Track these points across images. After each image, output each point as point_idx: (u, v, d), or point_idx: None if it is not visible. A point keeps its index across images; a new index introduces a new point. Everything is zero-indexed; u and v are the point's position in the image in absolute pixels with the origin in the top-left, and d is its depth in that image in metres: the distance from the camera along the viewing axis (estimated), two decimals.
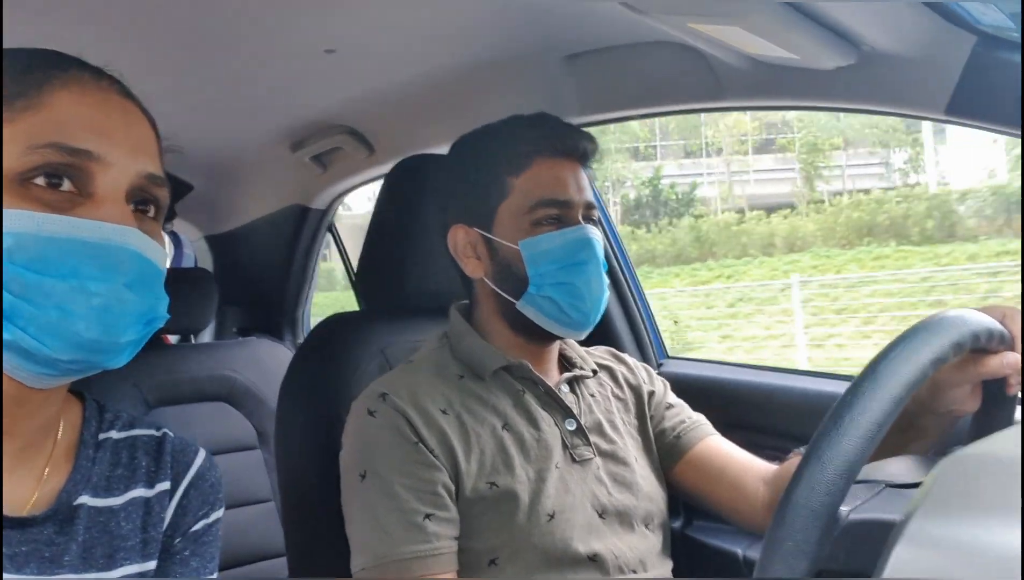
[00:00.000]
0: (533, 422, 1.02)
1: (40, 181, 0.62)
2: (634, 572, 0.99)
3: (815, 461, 0.55)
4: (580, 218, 1.04)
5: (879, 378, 0.59)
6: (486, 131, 1.09)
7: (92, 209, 0.63)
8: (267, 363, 2.07)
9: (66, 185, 0.63)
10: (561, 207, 1.02)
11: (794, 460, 1.01)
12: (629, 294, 1.68)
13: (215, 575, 0.79)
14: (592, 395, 1.11)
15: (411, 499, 0.92)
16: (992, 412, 0.79)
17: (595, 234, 1.04)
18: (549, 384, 1.06)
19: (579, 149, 1.05)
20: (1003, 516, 0.41)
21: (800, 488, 0.55)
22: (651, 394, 1.17)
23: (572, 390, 1.10)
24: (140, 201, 0.68)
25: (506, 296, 1.04)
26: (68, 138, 0.63)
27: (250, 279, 2.42)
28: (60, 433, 0.73)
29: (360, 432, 0.98)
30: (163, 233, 0.74)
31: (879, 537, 0.53)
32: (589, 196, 1.05)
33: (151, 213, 0.69)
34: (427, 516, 0.92)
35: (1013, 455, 0.46)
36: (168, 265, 2.50)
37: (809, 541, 0.53)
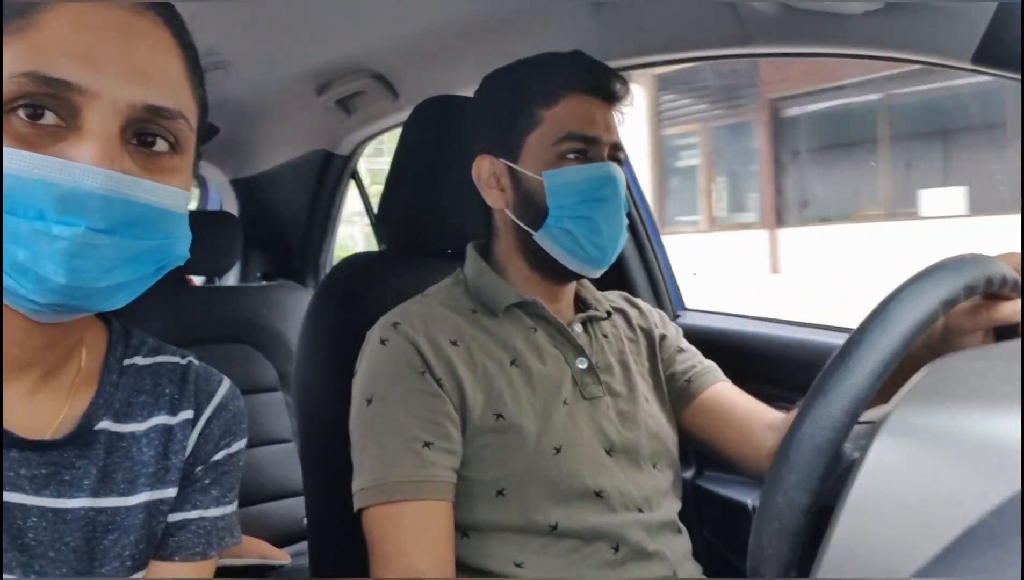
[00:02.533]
0: (543, 359, 1.04)
1: (21, 113, 0.58)
2: (639, 510, 1.01)
3: (821, 397, 0.55)
4: (606, 157, 1.04)
5: (889, 316, 0.59)
6: (520, 64, 1.09)
7: (74, 145, 0.58)
8: (290, 308, 2.10)
9: (49, 118, 0.58)
10: (589, 142, 1.03)
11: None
12: (648, 244, 1.68)
13: (234, 505, 0.80)
14: (605, 336, 1.12)
15: (412, 426, 0.95)
16: None
17: (619, 173, 1.04)
18: (562, 323, 1.07)
19: (612, 90, 1.05)
20: (985, 407, 0.42)
21: (805, 423, 0.55)
22: (663, 338, 1.18)
23: (585, 330, 1.11)
24: (148, 134, 0.62)
25: (525, 227, 1.05)
26: (46, 67, 0.58)
27: (274, 224, 2.44)
28: (84, 359, 0.72)
29: (371, 360, 1.01)
30: (192, 166, 0.68)
31: None
32: (617, 137, 1.06)
33: (164, 148, 0.63)
34: (426, 444, 0.94)
35: (997, 359, 0.47)
36: (195, 207, 2.52)
37: (812, 477, 0.53)
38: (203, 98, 0.69)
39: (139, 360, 0.76)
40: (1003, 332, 0.78)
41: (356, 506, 0.96)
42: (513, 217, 1.06)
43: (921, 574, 0.34)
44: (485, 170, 1.08)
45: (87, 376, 0.72)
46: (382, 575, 0.92)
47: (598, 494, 0.99)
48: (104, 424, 0.71)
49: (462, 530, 0.98)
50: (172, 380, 0.76)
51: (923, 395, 0.45)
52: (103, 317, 0.77)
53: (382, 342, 1.00)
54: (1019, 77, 0.88)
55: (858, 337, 0.58)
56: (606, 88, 1.05)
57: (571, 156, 1.02)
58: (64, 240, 0.57)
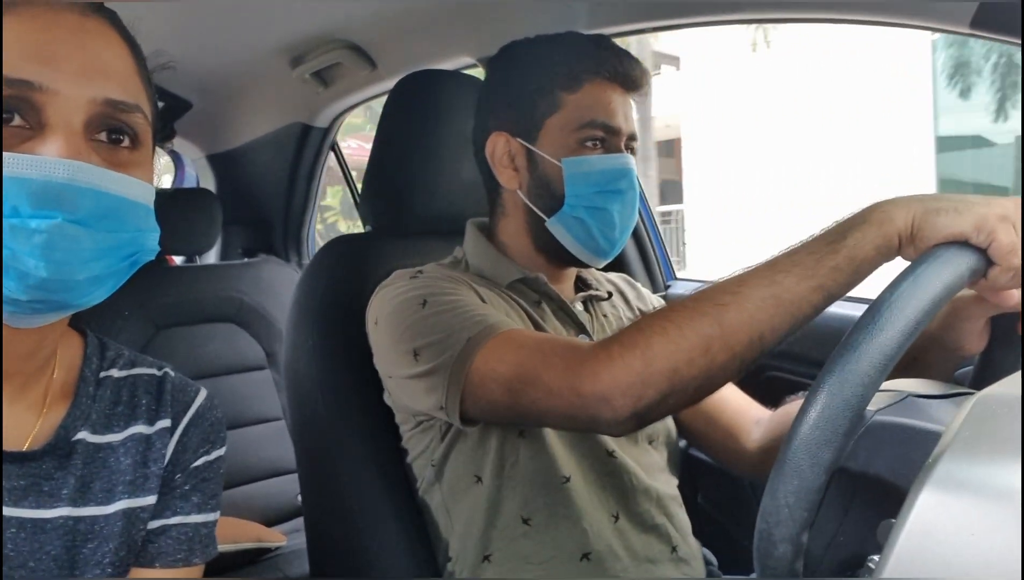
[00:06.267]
0: (551, 328, 1.03)
1: None
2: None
3: (850, 353, 0.55)
4: (623, 147, 1.03)
5: (920, 277, 0.59)
6: (542, 41, 1.06)
7: (40, 143, 0.59)
8: (274, 284, 2.08)
9: (16, 120, 0.60)
10: (608, 132, 1.02)
11: (790, 405, 1.02)
12: (639, 217, 1.66)
13: (217, 514, 0.80)
14: (605, 316, 1.12)
15: (480, 307, 0.93)
16: (998, 354, 0.79)
17: (634, 166, 1.03)
18: (565, 300, 1.06)
19: (633, 78, 1.03)
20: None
21: (832, 379, 0.54)
22: None
23: (586, 309, 1.10)
24: (110, 130, 0.64)
25: (537, 212, 1.04)
26: (8, 69, 0.59)
27: (253, 199, 2.40)
28: (57, 369, 0.73)
29: (409, 283, 0.97)
30: (153, 161, 0.69)
31: (901, 441, 0.52)
32: (634, 127, 1.04)
33: (125, 143, 0.65)
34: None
35: None
36: (170, 186, 2.47)
37: (837, 433, 0.53)
38: (154, 96, 0.70)
39: (115, 373, 0.77)
40: (999, 326, 0.78)
41: (455, 386, 0.86)
42: (526, 200, 1.04)
43: None
44: (500, 148, 1.05)
45: (62, 388, 0.73)
46: (531, 381, 0.82)
47: (610, 454, 1.00)
48: (81, 435, 0.72)
49: (477, 476, 0.97)
50: (148, 391, 0.77)
51: (968, 441, 0.43)
52: (79, 329, 0.77)
53: (412, 278, 0.98)
54: (1018, 42, 0.86)
55: (888, 295, 0.58)
56: (627, 76, 1.03)
57: (590, 144, 1.01)
58: (42, 233, 0.58)
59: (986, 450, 0.43)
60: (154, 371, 0.79)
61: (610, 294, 1.14)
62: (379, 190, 1.24)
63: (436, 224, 1.21)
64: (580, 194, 1.00)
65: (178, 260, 2.33)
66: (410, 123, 1.20)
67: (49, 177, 0.58)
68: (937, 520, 0.40)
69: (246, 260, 2.35)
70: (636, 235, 1.66)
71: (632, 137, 1.04)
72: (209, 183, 2.45)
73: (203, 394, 0.80)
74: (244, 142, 2.31)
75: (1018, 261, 0.65)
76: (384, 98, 1.28)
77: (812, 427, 0.53)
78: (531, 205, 1.04)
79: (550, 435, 0.96)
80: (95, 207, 0.60)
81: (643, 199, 1.69)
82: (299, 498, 1.86)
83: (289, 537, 1.74)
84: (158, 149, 0.73)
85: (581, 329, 1.05)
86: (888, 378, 0.58)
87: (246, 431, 1.92)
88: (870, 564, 0.45)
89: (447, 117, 1.18)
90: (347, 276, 1.17)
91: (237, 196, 2.38)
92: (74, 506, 0.69)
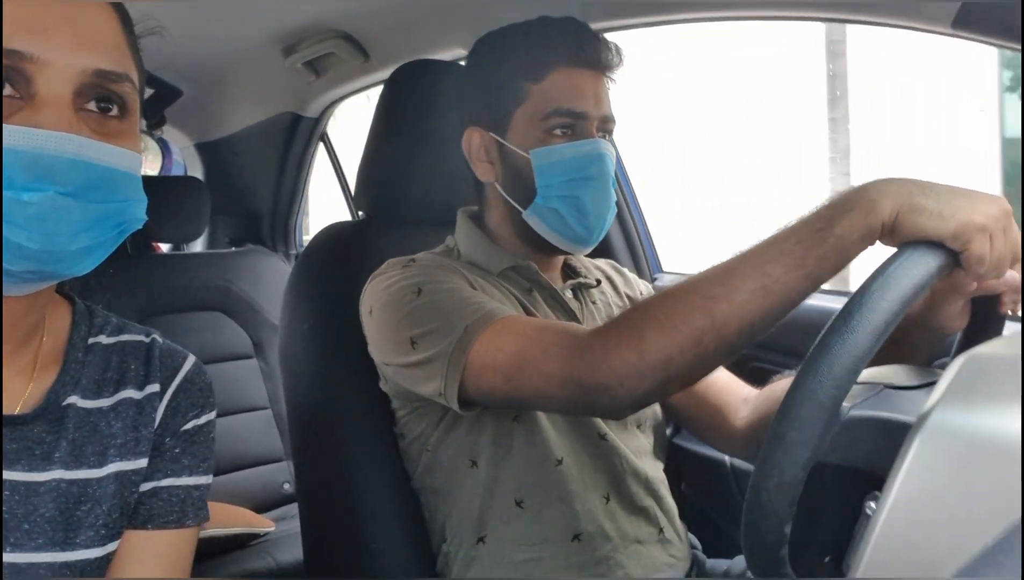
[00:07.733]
0: (544, 315, 1.05)
1: None
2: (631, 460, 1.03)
3: (824, 355, 0.57)
4: (594, 131, 1.02)
5: (889, 278, 0.61)
6: (510, 32, 1.06)
7: (31, 113, 0.60)
8: (262, 273, 2.08)
9: (7, 89, 0.60)
10: (576, 118, 1.01)
11: (778, 383, 1.04)
12: (626, 208, 1.68)
13: (209, 477, 0.80)
14: (594, 303, 1.13)
15: (475, 295, 0.94)
16: (979, 332, 0.82)
17: (607, 149, 1.03)
18: (555, 288, 1.08)
19: (602, 60, 1.03)
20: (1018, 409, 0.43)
21: (808, 380, 0.56)
22: None
23: (576, 297, 1.12)
24: (99, 99, 0.64)
25: (514, 204, 1.05)
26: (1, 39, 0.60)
27: (241, 188, 2.39)
28: (46, 335, 0.73)
29: (403, 272, 0.98)
30: (142, 134, 0.70)
31: (877, 434, 0.55)
32: (606, 110, 1.04)
33: (113, 112, 0.65)
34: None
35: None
36: (157, 173, 2.45)
37: (813, 432, 0.55)
38: (141, 63, 0.71)
39: (103, 339, 0.78)
40: (979, 304, 0.81)
41: (454, 373, 0.87)
42: (503, 192, 1.06)
43: (963, 574, 0.35)
44: (475, 143, 1.07)
45: (52, 354, 0.74)
46: (530, 370, 0.84)
47: (603, 437, 1.01)
48: (71, 399, 0.73)
49: (472, 460, 0.99)
50: (137, 357, 0.78)
51: (961, 393, 0.46)
52: (66, 296, 0.78)
53: (405, 266, 0.99)
54: (1015, 45, 0.88)
55: (859, 298, 0.60)
56: (595, 58, 1.02)
57: (558, 132, 1.01)
58: (34, 205, 0.59)
59: (979, 399, 0.45)
60: (142, 338, 0.79)
61: (598, 281, 1.16)
62: (373, 178, 1.25)
63: (430, 212, 1.22)
64: (551, 184, 1.01)
65: (164, 248, 2.32)
66: (405, 112, 1.21)
67: (41, 150, 0.59)
68: (934, 464, 0.42)
69: (233, 249, 2.35)
70: (623, 225, 1.68)
71: (606, 120, 1.04)
72: (197, 172, 2.44)
73: (191, 360, 0.81)
74: (233, 131, 2.30)
75: (983, 271, 0.66)
76: (374, 89, 1.29)
77: (789, 427, 0.56)
78: (507, 197, 1.05)
79: (544, 419, 0.98)
80: (85, 179, 0.61)
81: (630, 187, 1.71)
82: (285, 486, 1.89)
83: (276, 525, 1.75)
84: (145, 136, 0.74)
85: (571, 317, 1.07)
86: (870, 363, 0.61)
87: (233, 419, 1.92)
88: (867, 511, 0.47)
89: (442, 107, 1.19)
90: (343, 261, 1.18)
91: (225, 185, 2.37)
92: (67, 469, 0.70)
